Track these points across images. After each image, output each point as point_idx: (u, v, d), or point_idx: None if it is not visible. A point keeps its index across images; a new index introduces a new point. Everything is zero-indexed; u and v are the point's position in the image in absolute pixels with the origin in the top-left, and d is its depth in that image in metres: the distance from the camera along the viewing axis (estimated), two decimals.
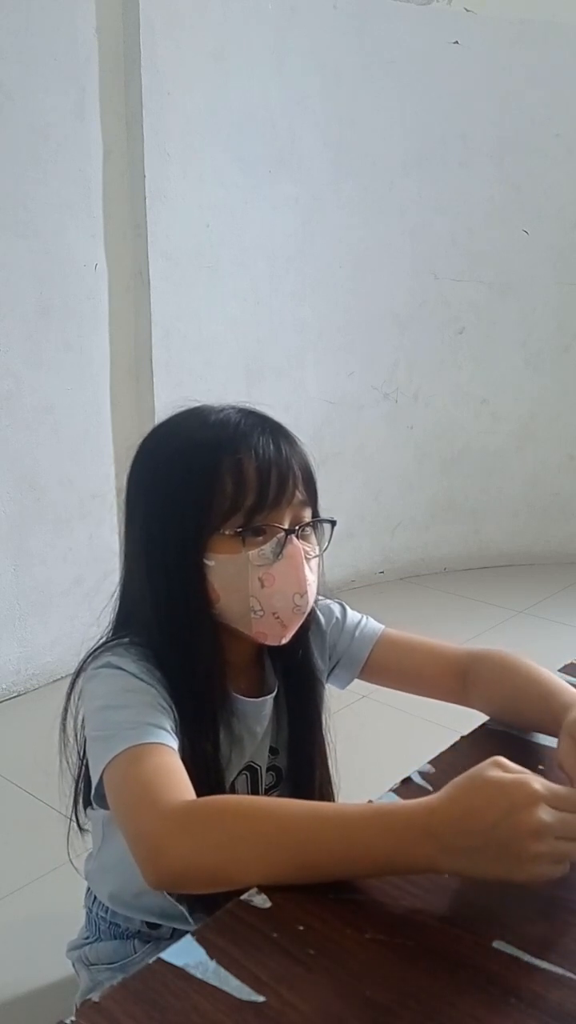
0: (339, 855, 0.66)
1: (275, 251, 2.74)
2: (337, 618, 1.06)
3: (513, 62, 2.99)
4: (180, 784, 0.75)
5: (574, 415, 3.37)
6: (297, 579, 0.88)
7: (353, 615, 1.08)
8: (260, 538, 0.88)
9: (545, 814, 0.61)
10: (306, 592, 0.89)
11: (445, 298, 3.14)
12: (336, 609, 1.07)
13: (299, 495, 0.90)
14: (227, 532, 0.87)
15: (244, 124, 2.57)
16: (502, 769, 0.64)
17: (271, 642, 0.92)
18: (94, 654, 0.92)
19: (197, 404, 0.94)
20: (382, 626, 1.08)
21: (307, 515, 0.91)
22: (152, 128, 2.36)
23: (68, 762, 0.99)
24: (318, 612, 1.02)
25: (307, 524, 0.91)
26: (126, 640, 0.92)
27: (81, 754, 0.97)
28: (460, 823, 0.62)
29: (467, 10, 2.94)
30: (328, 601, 1.05)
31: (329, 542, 0.95)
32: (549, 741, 0.86)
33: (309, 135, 2.75)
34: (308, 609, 0.92)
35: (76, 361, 2.38)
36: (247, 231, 2.65)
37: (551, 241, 3.18)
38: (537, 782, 0.63)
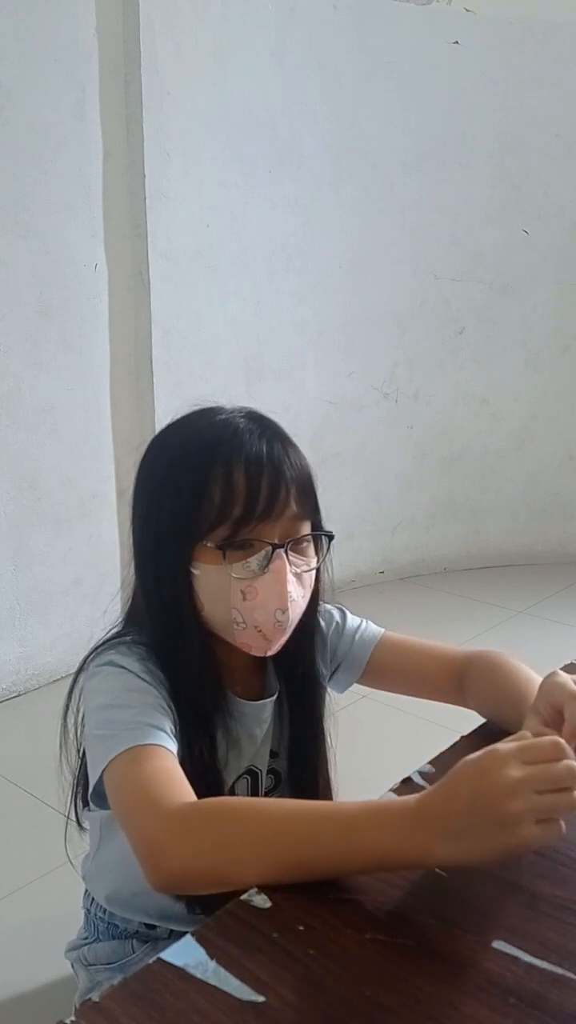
0: (336, 852, 0.66)
1: (275, 251, 2.74)
2: (337, 622, 1.06)
3: (513, 62, 2.99)
4: (180, 786, 0.75)
5: (574, 415, 3.37)
6: (280, 594, 0.87)
7: (353, 619, 1.07)
8: (244, 551, 0.86)
9: (514, 771, 0.61)
10: (287, 609, 0.88)
11: (445, 298, 3.14)
12: (336, 614, 1.07)
13: (293, 508, 0.87)
14: (210, 544, 0.86)
15: (244, 124, 2.57)
16: None
17: (256, 653, 0.92)
18: (97, 650, 0.92)
19: (210, 405, 0.93)
20: (382, 629, 1.08)
21: (303, 528, 0.89)
22: (152, 128, 2.36)
23: (68, 760, 0.99)
24: (319, 617, 1.01)
25: (300, 538, 0.89)
26: (128, 638, 0.92)
27: (80, 753, 0.97)
28: (443, 806, 0.63)
29: (467, 10, 2.94)
30: (328, 606, 1.05)
31: (327, 555, 0.93)
32: None
33: (309, 135, 2.75)
34: (292, 625, 0.90)
35: (76, 361, 2.38)
36: (247, 231, 2.65)
37: (551, 241, 3.18)
38: (503, 745, 0.63)
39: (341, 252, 2.91)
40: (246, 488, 0.85)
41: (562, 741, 0.64)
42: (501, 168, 3.08)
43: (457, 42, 2.92)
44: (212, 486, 0.85)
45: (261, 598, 0.87)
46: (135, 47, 2.31)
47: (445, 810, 0.63)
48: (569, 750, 0.63)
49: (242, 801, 0.76)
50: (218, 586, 0.87)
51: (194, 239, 2.52)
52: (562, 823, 0.62)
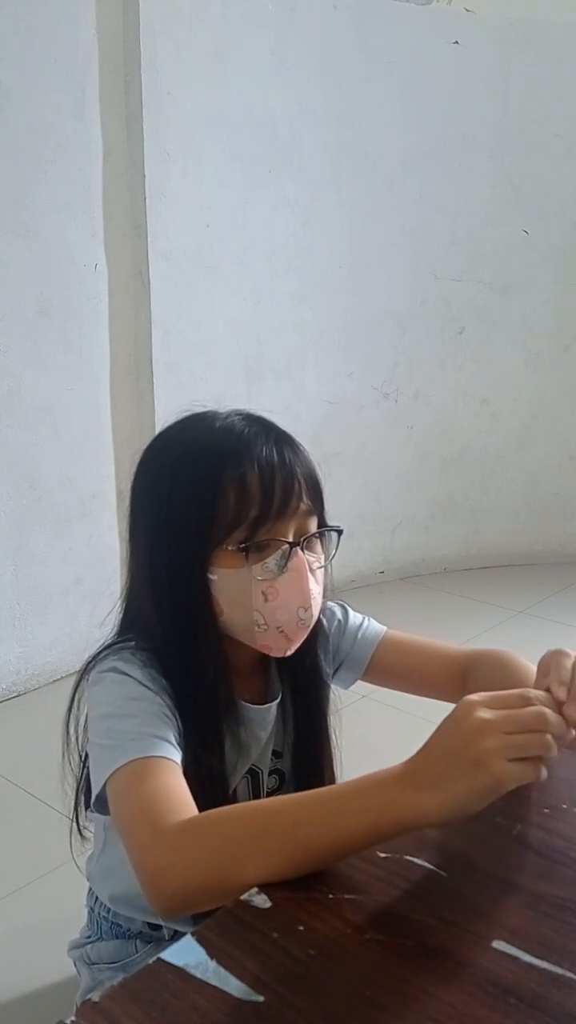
0: (330, 828, 0.66)
1: (275, 251, 2.74)
2: (339, 620, 1.06)
3: (513, 62, 2.99)
4: (180, 802, 0.74)
5: (574, 415, 3.37)
6: (301, 592, 0.87)
7: (355, 617, 1.07)
8: (264, 552, 0.86)
9: (483, 712, 0.63)
10: (310, 606, 0.88)
11: (445, 298, 3.14)
12: (338, 611, 1.07)
13: (304, 505, 0.88)
14: (230, 547, 0.86)
15: (244, 124, 2.57)
16: None
17: (276, 654, 0.92)
18: (100, 655, 0.91)
19: (202, 409, 0.92)
20: (384, 627, 1.08)
21: (313, 525, 0.90)
22: (152, 128, 2.36)
23: (71, 763, 0.98)
24: (321, 615, 1.01)
25: (312, 535, 0.90)
26: (132, 644, 0.91)
27: (82, 757, 0.97)
28: (425, 758, 0.65)
29: (467, 10, 2.93)
30: (330, 603, 1.05)
31: (336, 551, 0.94)
32: None
33: (309, 135, 2.75)
34: (313, 622, 0.91)
35: (76, 361, 2.38)
36: (247, 231, 2.65)
37: (551, 241, 3.18)
38: (474, 695, 0.66)
39: (341, 252, 2.91)
40: (260, 488, 0.85)
41: (530, 692, 0.66)
42: (501, 168, 3.08)
43: (457, 42, 2.92)
44: (226, 489, 0.85)
45: (283, 598, 0.87)
46: (135, 47, 2.31)
47: (427, 760, 0.65)
48: (541, 699, 0.66)
49: (235, 806, 0.76)
50: (239, 589, 0.87)
51: (194, 239, 2.52)
52: (543, 768, 0.64)
